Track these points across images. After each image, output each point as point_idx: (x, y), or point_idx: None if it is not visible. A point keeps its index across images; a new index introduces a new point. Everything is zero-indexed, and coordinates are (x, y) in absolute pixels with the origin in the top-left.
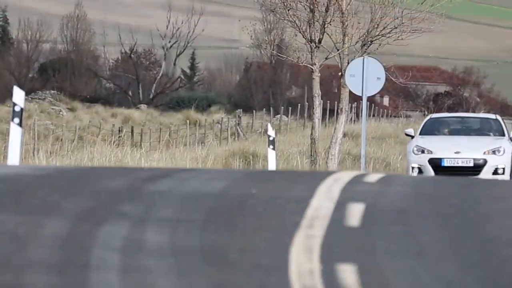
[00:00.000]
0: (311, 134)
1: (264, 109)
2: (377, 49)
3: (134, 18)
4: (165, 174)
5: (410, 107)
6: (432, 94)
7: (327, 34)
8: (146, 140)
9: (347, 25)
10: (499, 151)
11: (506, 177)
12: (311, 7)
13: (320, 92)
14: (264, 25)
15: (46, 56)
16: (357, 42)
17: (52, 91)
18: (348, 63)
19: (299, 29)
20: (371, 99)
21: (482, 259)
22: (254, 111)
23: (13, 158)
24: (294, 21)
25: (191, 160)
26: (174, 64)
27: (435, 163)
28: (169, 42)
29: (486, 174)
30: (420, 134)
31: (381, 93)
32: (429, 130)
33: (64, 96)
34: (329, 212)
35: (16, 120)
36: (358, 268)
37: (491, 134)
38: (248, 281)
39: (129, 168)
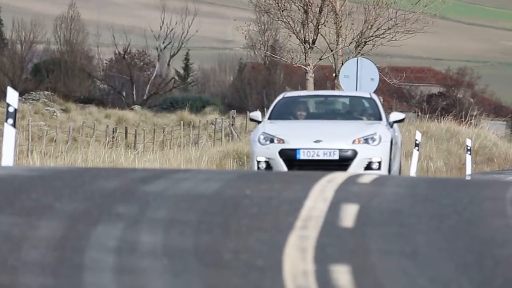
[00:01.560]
0: None
1: (258, 110)
2: (371, 50)
3: (128, 18)
4: (159, 175)
5: (404, 108)
6: (426, 95)
7: (321, 35)
8: (140, 141)
9: (341, 26)
10: (373, 140)
11: (383, 172)
12: (305, 8)
13: None
14: (258, 26)
15: (40, 57)
16: (351, 43)
17: (46, 92)
18: (342, 64)
19: (293, 30)
20: None
21: (476, 260)
22: (248, 112)
23: (7, 159)
24: (288, 22)
25: (185, 161)
26: (168, 64)
27: (288, 156)
28: (163, 43)
29: (356, 169)
30: (270, 118)
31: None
32: (281, 113)
33: (58, 97)
34: (323, 213)
35: (10, 121)
36: (352, 269)
37: (364, 118)
38: (242, 282)
39: (123, 169)
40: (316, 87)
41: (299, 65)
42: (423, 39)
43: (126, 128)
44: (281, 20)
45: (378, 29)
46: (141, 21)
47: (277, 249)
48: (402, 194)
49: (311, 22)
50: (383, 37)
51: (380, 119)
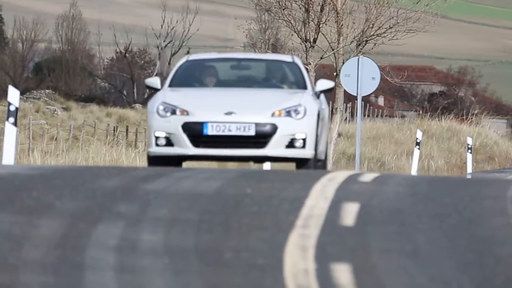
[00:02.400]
0: None
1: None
2: (372, 48)
3: (129, 17)
4: (160, 174)
5: (405, 106)
6: (427, 94)
7: (322, 33)
8: (141, 140)
9: (342, 24)
10: (297, 112)
11: (308, 152)
12: (306, 6)
13: None
14: (259, 25)
15: (41, 56)
16: (352, 41)
17: (47, 91)
18: (343, 62)
19: (294, 28)
20: (366, 99)
21: (477, 259)
22: None
23: (8, 157)
24: (289, 20)
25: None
26: (169, 63)
27: (194, 131)
28: (164, 41)
29: (275, 147)
30: (171, 85)
31: (376, 93)
32: (185, 79)
33: (59, 96)
34: (323, 211)
35: (11, 119)
36: (352, 268)
37: (286, 86)
38: (243, 281)
39: (124, 167)
40: None
41: None
42: (424, 38)
43: (127, 126)
44: (282, 19)
45: (379, 28)
46: (142, 20)
47: (278, 248)
48: (402, 193)
49: (312, 21)
50: (384, 36)
51: (304, 87)
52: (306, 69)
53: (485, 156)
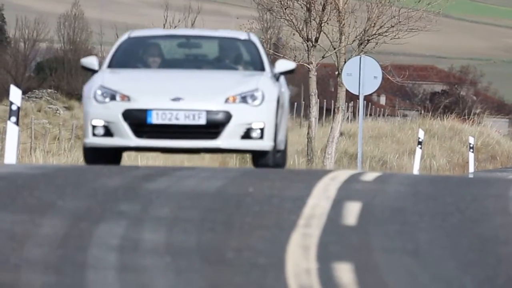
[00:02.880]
0: (308, 133)
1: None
2: (374, 48)
3: (131, 16)
4: (161, 173)
5: (407, 106)
6: (429, 93)
7: (324, 33)
8: None
9: (343, 24)
10: (253, 98)
11: (267, 143)
12: (308, 6)
13: (316, 91)
14: (261, 24)
15: (43, 55)
16: (353, 41)
17: (49, 90)
18: (345, 62)
19: (296, 28)
20: (367, 98)
21: (479, 258)
22: None
23: (10, 156)
24: (291, 20)
25: (187, 159)
26: None
27: (136, 119)
28: None
29: (229, 138)
30: (110, 66)
31: (378, 92)
32: (126, 59)
33: (61, 95)
34: (325, 211)
35: (13, 119)
36: (354, 267)
37: (241, 67)
38: (244, 280)
39: (126, 166)
40: (319, 85)
41: (302, 63)
42: (426, 37)
43: None
44: (283, 18)
45: (381, 27)
46: (144, 19)
47: (280, 247)
48: (404, 192)
49: (314, 20)
50: (386, 35)
51: (262, 69)
52: (263, 47)
53: (487, 155)
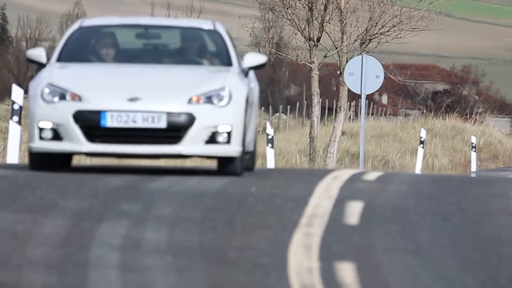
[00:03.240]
0: (310, 132)
1: (263, 107)
2: (376, 47)
3: (133, 16)
4: (163, 172)
5: (408, 105)
6: (431, 92)
7: (326, 32)
8: None
9: (345, 23)
10: (220, 98)
11: (234, 148)
12: (310, 5)
13: (318, 90)
14: (263, 24)
15: None
16: (355, 40)
17: None
18: (347, 61)
19: (298, 27)
20: (369, 97)
21: (481, 258)
22: None
23: (12, 156)
24: (293, 19)
25: (189, 158)
26: None
27: (89, 122)
28: None
29: (192, 143)
30: (60, 60)
31: (380, 91)
32: (77, 51)
33: None
34: (328, 210)
35: (15, 118)
36: (357, 266)
37: (206, 61)
38: (247, 279)
39: (128, 166)
40: (321, 85)
41: (304, 62)
42: (428, 36)
43: None
44: (285, 18)
45: (383, 26)
46: None
47: (282, 246)
48: (406, 191)
49: (315, 19)
50: (388, 35)
51: (229, 63)
52: (230, 37)
53: (489, 154)
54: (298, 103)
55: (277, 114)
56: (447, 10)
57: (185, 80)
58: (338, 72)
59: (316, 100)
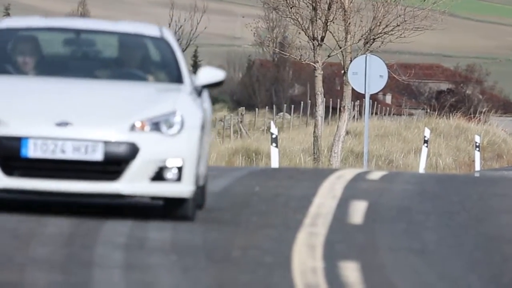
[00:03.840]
0: (314, 132)
1: (267, 107)
2: (380, 47)
3: (137, 15)
4: None
5: (412, 104)
6: (435, 92)
7: (330, 32)
8: None
9: (349, 23)
10: (169, 124)
11: (185, 187)
12: (314, 5)
13: (322, 90)
14: (267, 23)
15: None
16: (359, 40)
17: None
18: (351, 61)
19: (302, 27)
20: (373, 97)
21: (485, 257)
22: (256, 108)
23: None
24: (297, 19)
25: None
26: None
27: (6, 150)
28: None
29: (134, 180)
30: None
31: (384, 90)
32: None
33: None
34: (332, 209)
35: None
36: (361, 266)
37: (151, 76)
38: (251, 278)
39: None
40: (325, 84)
41: (307, 62)
42: (432, 36)
43: None
44: (289, 17)
45: (386, 26)
46: (149, 18)
47: (286, 246)
48: (411, 191)
49: (319, 19)
50: (391, 34)
51: (179, 80)
52: (180, 47)
53: (493, 154)
54: (302, 102)
55: (281, 113)
56: (451, 9)
57: (127, 101)
58: (342, 71)
59: (320, 100)
